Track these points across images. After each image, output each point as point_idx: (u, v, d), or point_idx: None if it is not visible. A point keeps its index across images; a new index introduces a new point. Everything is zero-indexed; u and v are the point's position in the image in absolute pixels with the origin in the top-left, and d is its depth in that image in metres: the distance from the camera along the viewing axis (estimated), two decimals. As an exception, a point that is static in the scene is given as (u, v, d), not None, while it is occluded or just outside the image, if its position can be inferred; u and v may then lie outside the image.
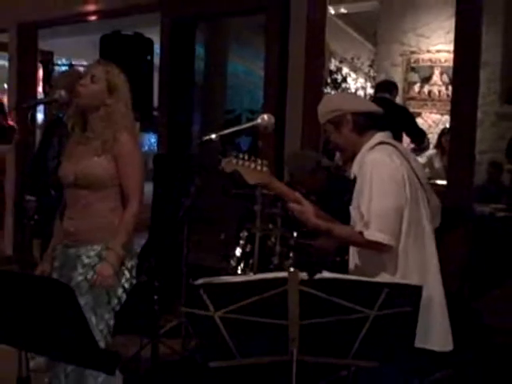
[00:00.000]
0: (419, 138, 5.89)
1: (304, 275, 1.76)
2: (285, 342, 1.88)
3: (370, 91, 9.34)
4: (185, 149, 5.49)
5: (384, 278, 2.31)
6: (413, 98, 8.45)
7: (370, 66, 9.40)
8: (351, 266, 2.49)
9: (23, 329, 1.96)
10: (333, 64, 9.52)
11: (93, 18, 6.55)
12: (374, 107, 2.56)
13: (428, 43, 7.95)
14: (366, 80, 9.55)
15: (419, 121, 8.30)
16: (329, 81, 9.25)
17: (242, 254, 3.62)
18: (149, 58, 5.36)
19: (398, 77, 8.57)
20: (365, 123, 2.48)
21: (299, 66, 4.71)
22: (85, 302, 2.57)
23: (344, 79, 9.37)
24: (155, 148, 7.72)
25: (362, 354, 1.90)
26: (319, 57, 4.80)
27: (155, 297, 3.60)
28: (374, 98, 5.98)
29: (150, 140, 10.07)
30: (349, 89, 9.39)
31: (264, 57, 5.07)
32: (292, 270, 1.73)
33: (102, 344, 2.57)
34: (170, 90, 5.66)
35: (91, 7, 6.44)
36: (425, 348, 2.31)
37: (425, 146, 6.41)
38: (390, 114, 5.38)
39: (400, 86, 8.56)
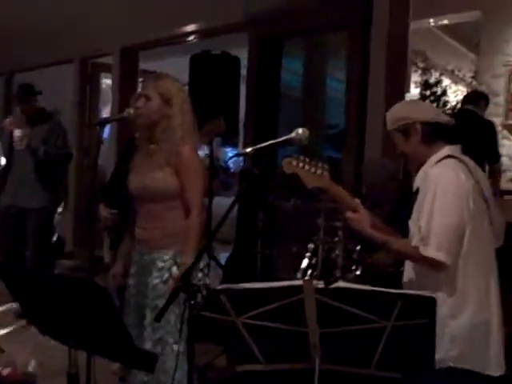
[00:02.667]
0: (493, 158, 5.48)
1: (320, 284, 1.80)
2: (307, 350, 1.93)
3: (473, 104, 9.08)
4: (269, 164, 5.61)
5: (440, 297, 2.21)
6: (512, 110, 8.13)
7: (473, 77, 9.12)
8: (405, 279, 2.44)
9: (72, 328, 2.13)
10: (433, 77, 9.34)
11: (189, 38, 6.86)
12: (443, 117, 2.48)
13: (532, 53, 7.65)
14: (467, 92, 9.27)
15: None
16: (428, 93, 9.09)
17: (307, 266, 3.66)
18: (235, 74, 5.53)
19: (499, 88, 8.29)
20: (434, 134, 2.40)
21: (380, 82, 4.71)
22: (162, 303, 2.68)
23: (444, 92, 9.16)
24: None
25: (384, 364, 1.91)
26: (401, 71, 4.78)
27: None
28: (459, 110, 5.82)
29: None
30: (449, 102, 9.17)
31: (346, 73, 5.11)
32: (307, 278, 1.77)
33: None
34: (256, 106, 5.82)
35: (188, 28, 6.76)
36: (478, 372, 2.27)
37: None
38: (472, 127, 5.25)
39: (503, 97, 8.27)
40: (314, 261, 3.66)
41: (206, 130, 3.90)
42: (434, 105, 8.91)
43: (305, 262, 3.70)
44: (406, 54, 4.82)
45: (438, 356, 2.20)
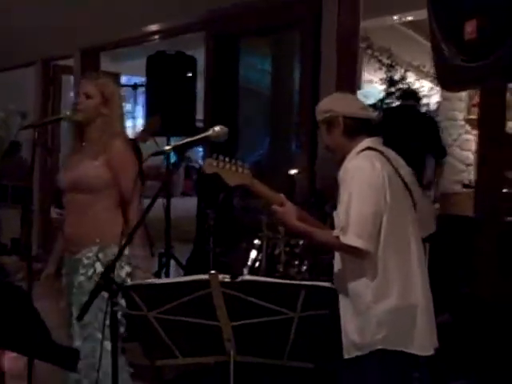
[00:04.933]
0: (440, 153, 5.47)
1: (226, 277, 1.84)
2: (221, 343, 1.96)
3: (437, 99, 9.17)
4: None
5: (364, 283, 2.33)
6: (475, 105, 8.26)
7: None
8: (335, 269, 2.50)
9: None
10: (398, 73, 9.41)
11: (149, 39, 6.88)
12: (368, 113, 2.55)
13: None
14: (432, 87, 9.37)
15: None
16: (393, 90, 9.16)
17: (253, 261, 3.70)
18: (190, 74, 5.57)
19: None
20: (356, 128, 2.47)
21: (331, 80, 4.75)
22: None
23: (408, 88, 9.23)
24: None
25: (296, 355, 1.95)
26: (352, 69, 4.82)
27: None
28: (399, 106, 5.88)
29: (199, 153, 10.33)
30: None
31: (299, 72, 5.16)
32: (213, 272, 1.81)
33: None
34: (214, 104, 5.86)
35: (148, 29, 6.77)
36: (404, 351, 2.33)
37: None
38: (413, 123, 5.31)
39: (465, 92, 8.34)
40: (259, 256, 3.70)
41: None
42: (399, 102, 9.00)
43: (251, 258, 3.74)
44: (357, 52, 4.85)
45: (364, 340, 2.31)
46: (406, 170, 2.54)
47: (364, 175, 2.34)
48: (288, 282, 1.82)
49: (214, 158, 2.46)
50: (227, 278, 1.84)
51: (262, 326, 1.91)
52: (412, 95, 5.79)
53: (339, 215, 2.35)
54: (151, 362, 2.05)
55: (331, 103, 2.54)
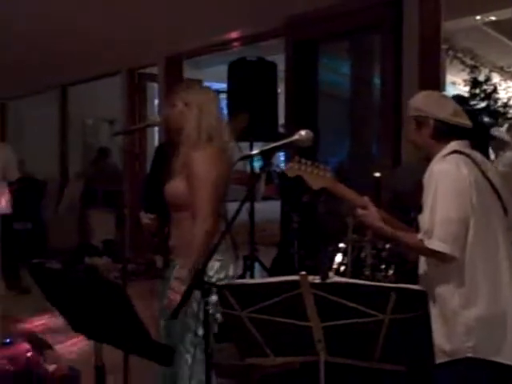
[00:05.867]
0: None
1: (316, 278, 1.88)
2: (312, 343, 2.01)
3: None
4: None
5: (450, 288, 2.31)
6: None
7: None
8: (420, 273, 2.49)
9: (95, 323, 2.28)
10: (482, 74, 9.19)
11: (231, 45, 7.03)
12: (460, 121, 2.47)
13: None
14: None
15: None
16: (477, 91, 8.95)
17: (339, 265, 3.72)
18: (272, 79, 5.66)
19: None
20: (446, 132, 2.44)
21: (413, 83, 4.72)
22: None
23: (494, 89, 9.00)
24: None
25: (387, 357, 1.97)
26: (435, 71, 4.78)
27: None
28: None
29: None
30: (500, 99, 9.01)
31: (380, 76, 5.15)
32: (303, 273, 1.86)
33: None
34: (294, 108, 5.92)
35: (230, 36, 6.93)
36: (496, 361, 2.29)
37: None
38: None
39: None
40: (345, 260, 3.71)
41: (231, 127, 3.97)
42: (485, 103, 8.78)
43: (336, 262, 3.76)
44: (440, 53, 4.81)
45: (453, 347, 2.28)
46: (494, 174, 2.49)
47: (449, 179, 2.32)
48: (378, 284, 1.85)
49: (297, 161, 2.49)
50: (317, 279, 1.88)
51: (351, 327, 1.94)
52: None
53: (424, 219, 2.33)
54: (243, 360, 2.12)
55: (424, 103, 2.50)
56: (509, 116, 8.85)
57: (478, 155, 2.48)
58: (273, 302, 1.94)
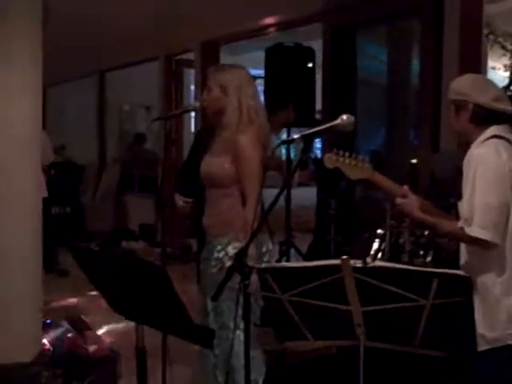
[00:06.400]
0: None
1: (358, 262, 1.88)
2: (352, 327, 2.01)
3: None
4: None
5: (492, 275, 2.29)
6: None
7: None
8: (461, 261, 2.47)
9: (136, 305, 2.31)
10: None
11: (267, 31, 7.00)
12: (501, 107, 2.41)
13: None
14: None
15: None
16: (518, 78, 8.75)
17: (376, 251, 3.71)
18: (310, 65, 5.62)
19: None
20: (485, 118, 2.40)
21: (454, 68, 4.65)
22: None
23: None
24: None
25: (427, 343, 1.96)
26: (476, 56, 4.69)
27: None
28: None
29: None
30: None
31: (419, 60, 5.08)
32: (345, 257, 1.86)
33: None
34: (332, 95, 5.88)
35: (266, 21, 6.89)
36: None
37: None
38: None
39: None
40: (383, 246, 3.70)
41: (275, 120, 3.97)
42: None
43: (374, 248, 3.76)
44: (481, 38, 4.72)
45: (495, 334, 2.27)
46: None
47: (489, 164, 2.29)
48: (420, 269, 1.84)
49: (335, 153, 2.48)
50: (359, 264, 1.88)
51: (392, 312, 1.93)
52: None
53: (463, 206, 2.31)
54: (282, 343, 2.14)
55: (465, 86, 2.45)
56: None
57: None
58: (313, 286, 1.95)
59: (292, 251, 5.32)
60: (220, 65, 3.03)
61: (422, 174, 4.34)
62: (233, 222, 2.86)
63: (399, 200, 2.42)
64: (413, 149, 6.35)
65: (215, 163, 2.91)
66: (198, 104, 3.03)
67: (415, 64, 7.56)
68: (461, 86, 2.47)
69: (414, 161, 4.34)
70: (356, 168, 2.48)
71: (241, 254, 2.20)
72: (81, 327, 3.84)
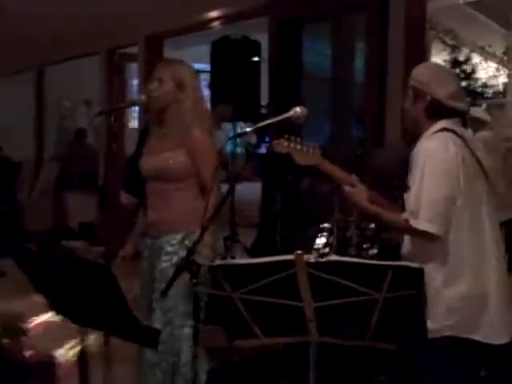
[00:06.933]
0: None
1: (311, 257, 1.83)
2: (304, 323, 1.96)
3: (504, 80, 8.92)
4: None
5: (433, 267, 2.29)
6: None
7: (504, 53, 8.96)
8: (404, 252, 2.48)
9: (81, 306, 2.21)
10: (462, 54, 9.20)
11: (212, 25, 6.90)
12: (457, 105, 2.40)
13: None
14: (498, 68, 9.10)
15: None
16: (457, 71, 8.95)
17: (323, 245, 3.69)
18: (256, 59, 5.57)
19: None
20: (439, 113, 2.39)
21: (399, 62, 4.67)
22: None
23: (474, 69, 9.02)
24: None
25: (380, 336, 1.93)
26: (420, 51, 4.74)
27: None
28: None
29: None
30: (479, 79, 9.04)
31: (365, 55, 5.09)
32: (298, 252, 1.80)
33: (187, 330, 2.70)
34: (278, 89, 5.84)
35: (211, 15, 6.79)
36: (473, 339, 2.29)
37: None
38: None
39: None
40: (330, 240, 3.68)
41: (212, 115, 3.93)
42: (465, 83, 8.79)
43: (321, 241, 3.73)
44: (425, 33, 4.78)
45: (433, 326, 2.24)
46: (483, 154, 2.45)
47: (437, 157, 2.29)
48: (375, 262, 1.80)
49: (285, 138, 2.46)
50: (313, 258, 1.83)
51: (345, 306, 1.89)
52: None
53: (410, 198, 2.31)
54: (231, 342, 2.07)
55: (427, 76, 2.43)
56: (487, 96, 8.90)
57: (468, 133, 2.44)
58: (266, 283, 1.89)
59: (236, 246, 5.27)
60: (169, 58, 2.99)
61: (366, 167, 4.35)
62: (186, 217, 2.81)
63: (347, 188, 2.42)
64: (357, 143, 6.41)
65: (169, 157, 2.85)
66: (143, 97, 2.94)
67: (359, 59, 7.64)
68: (422, 74, 2.46)
69: (359, 153, 4.35)
70: (306, 154, 2.46)
71: (190, 252, 2.13)
72: (15, 332, 3.69)
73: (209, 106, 3.08)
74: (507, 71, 8.75)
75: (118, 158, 7.51)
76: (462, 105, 2.43)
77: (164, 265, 2.82)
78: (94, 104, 10.07)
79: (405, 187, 2.35)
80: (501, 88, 9.01)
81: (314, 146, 2.47)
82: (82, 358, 2.27)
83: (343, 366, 3.11)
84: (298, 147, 2.45)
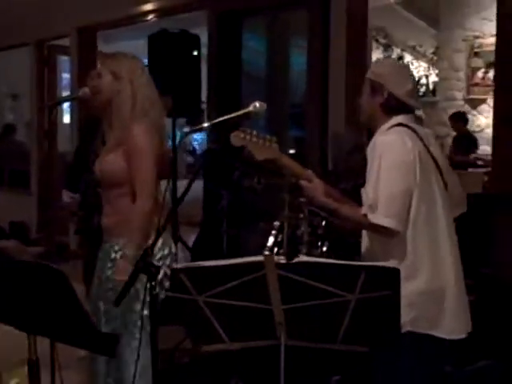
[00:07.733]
0: None
1: (282, 259, 1.77)
2: (272, 327, 1.90)
3: (435, 79, 9.14)
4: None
5: (392, 263, 2.23)
6: (476, 85, 8.21)
7: (434, 53, 9.19)
8: (363, 248, 2.47)
9: (30, 313, 2.06)
10: (394, 53, 9.37)
11: (147, 17, 6.73)
12: (412, 103, 2.42)
13: (492, 26, 7.70)
14: (429, 67, 9.33)
15: (484, 107, 8.06)
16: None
17: (273, 243, 3.63)
18: (195, 53, 5.44)
19: (461, 63, 8.34)
20: (396, 108, 2.39)
21: (341, 59, 4.68)
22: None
23: (406, 68, 9.19)
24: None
25: (351, 338, 1.89)
26: (362, 48, 4.75)
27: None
28: None
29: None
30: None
31: (307, 51, 5.07)
32: (268, 254, 1.74)
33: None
34: (218, 85, 5.75)
35: (146, 7, 6.62)
36: (433, 335, 2.29)
37: None
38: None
39: (463, 72, 8.32)
40: (280, 238, 3.62)
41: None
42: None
43: (271, 240, 3.66)
44: (366, 31, 4.79)
45: None
46: (437, 150, 2.48)
47: (394, 152, 2.28)
48: (348, 263, 1.75)
49: (242, 131, 2.38)
50: (283, 260, 1.77)
51: (315, 308, 1.84)
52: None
53: (368, 192, 2.28)
54: (197, 347, 1.99)
55: (386, 71, 2.43)
56: (419, 94, 9.08)
57: (422, 130, 2.46)
58: (233, 285, 1.81)
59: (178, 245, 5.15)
60: (109, 52, 2.83)
61: (311, 164, 4.33)
62: (129, 223, 2.60)
63: (304, 183, 2.38)
64: (293, 140, 6.42)
65: (109, 161, 2.66)
66: (87, 90, 2.78)
67: (295, 56, 7.64)
68: (382, 69, 2.46)
69: (291, 152, 4.33)
70: (263, 147, 2.39)
71: (146, 254, 2.02)
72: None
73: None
74: (437, 70, 8.98)
75: (51, 155, 7.24)
76: (416, 102, 2.46)
77: (109, 272, 2.67)
78: (21, 98, 9.68)
79: (349, 175, 2.33)
80: (431, 87, 9.23)
81: (271, 138, 2.40)
82: (33, 367, 2.12)
83: (298, 367, 3.07)
84: (255, 140, 2.38)
